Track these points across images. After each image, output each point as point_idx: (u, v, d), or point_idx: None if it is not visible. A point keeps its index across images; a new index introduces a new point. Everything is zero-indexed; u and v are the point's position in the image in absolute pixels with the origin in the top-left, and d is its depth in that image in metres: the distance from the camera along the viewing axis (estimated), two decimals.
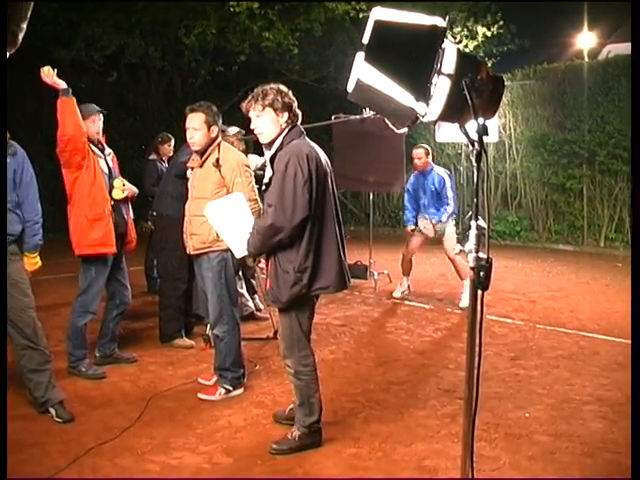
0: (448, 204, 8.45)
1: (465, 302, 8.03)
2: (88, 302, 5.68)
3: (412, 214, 8.79)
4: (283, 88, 4.24)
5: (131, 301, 6.10)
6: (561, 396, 5.27)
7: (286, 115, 4.17)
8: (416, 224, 8.68)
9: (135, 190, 5.93)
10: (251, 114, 4.21)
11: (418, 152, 8.66)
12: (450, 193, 8.49)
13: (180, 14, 15.61)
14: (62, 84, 5.40)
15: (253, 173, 5.40)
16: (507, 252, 12.78)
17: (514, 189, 14.51)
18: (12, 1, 1.80)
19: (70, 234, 5.63)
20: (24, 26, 1.83)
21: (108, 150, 5.83)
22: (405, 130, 8.40)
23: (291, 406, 4.69)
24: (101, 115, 5.73)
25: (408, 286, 9.02)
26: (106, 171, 5.69)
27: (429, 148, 8.83)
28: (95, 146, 5.64)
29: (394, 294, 8.97)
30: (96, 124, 5.66)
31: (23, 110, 14.83)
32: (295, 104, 4.24)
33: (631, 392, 3.11)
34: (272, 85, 4.23)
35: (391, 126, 7.87)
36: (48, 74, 5.39)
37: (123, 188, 5.71)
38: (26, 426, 4.60)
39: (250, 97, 4.21)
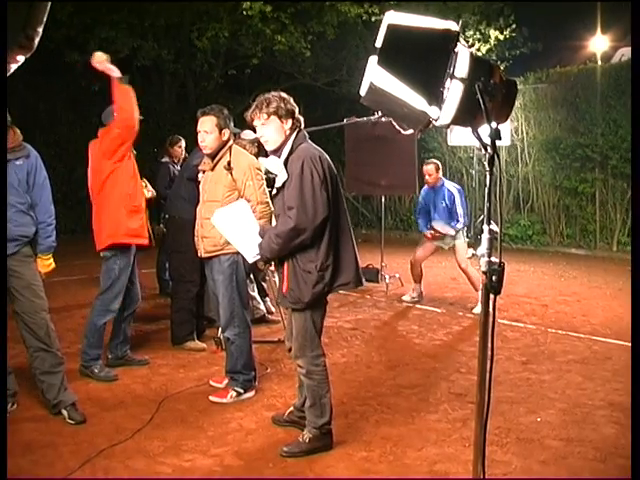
0: (458, 220, 8.46)
1: (479, 308, 8.00)
2: (110, 300, 5.68)
3: (424, 222, 8.81)
4: (285, 95, 4.29)
5: (141, 300, 6.11)
6: (573, 401, 5.25)
7: (290, 121, 4.22)
8: (432, 228, 8.67)
9: (154, 193, 5.99)
10: (256, 123, 4.25)
11: (429, 169, 8.66)
12: (460, 210, 8.48)
13: (193, 17, 15.66)
14: (116, 72, 5.42)
15: (265, 176, 5.41)
16: (519, 256, 12.76)
17: (526, 193, 14.49)
18: (30, 1, 1.81)
19: (99, 225, 5.66)
20: (40, 30, 1.83)
21: (133, 150, 5.90)
22: (412, 131, 8.39)
23: (291, 409, 4.73)
24: None
25: (420, 293, 9.01)
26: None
27: (439, 163, 8.82)
28: None
29: (404, 297, 8.99)
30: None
31: (36, 113, 14.91)
32: (297, 110, 4.29)
33: (631, 392, 3.10)
34: (274, 93, 4.29)
35: (397, 127, 7.85)
36: (100, 60, 5.35)
37: (148, 189, 5.77)
38: (38, 427, 4.62)
39: (254, 106, 4.25)
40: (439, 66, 2.63)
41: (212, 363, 6.11)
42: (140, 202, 5.65)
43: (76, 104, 15.65)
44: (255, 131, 4.45)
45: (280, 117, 4.18)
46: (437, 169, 8.65)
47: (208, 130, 5.20)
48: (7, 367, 4.76)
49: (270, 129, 4.21)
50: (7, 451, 3.71)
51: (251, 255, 4.35)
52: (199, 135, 5.27)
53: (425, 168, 8.71)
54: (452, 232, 8.46)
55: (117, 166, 5.56)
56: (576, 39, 21.40)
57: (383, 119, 8.26)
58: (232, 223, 4.46)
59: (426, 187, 8.85)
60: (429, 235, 8.68)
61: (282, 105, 4.20)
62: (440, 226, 8.49)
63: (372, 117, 8.51)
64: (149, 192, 5.78)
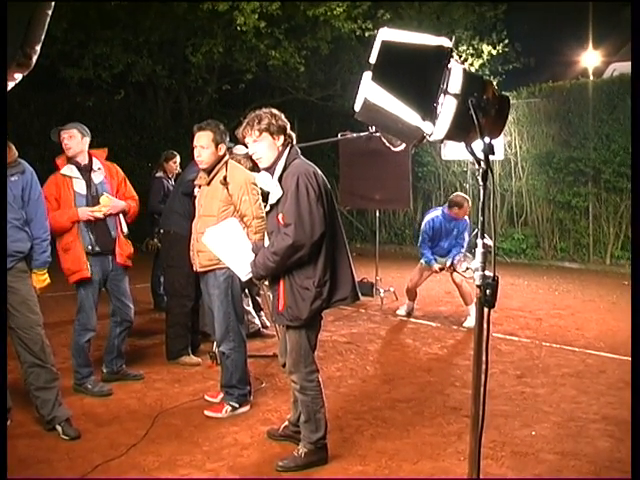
0: (462, 246, 8.43)
1: (469, 322, 8.03)
2: (85, 320, 5.67)
3: (430, 252, 8.56)
4: (275, 111, 4.29)
5: (134, 318, 6.07)
6: (567, 414, 5.26)
7: (282, 138, 4.22)
8: (451, 264, 8.50)
9: (120, 205, 5.74)
10: (247, 140, 4.25)
11: (465, 208, 8.32)
12: (467, 237, 8.48)
13: (187, 33, 15.71)
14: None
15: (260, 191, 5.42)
16: (513, 270, 12.78)
17: (520, 207, 14.51)
18: (31, 4, 1.82)
19: None
20: (38, 48, 1.85)
21: (98, 165, 5.73)
22: (402, 147, 8.39)
23: (285, 423, 4.72)
24: (71, 131, 5.65)
25: (412, 309, 9.02)
26: (83, 192, 5.61)
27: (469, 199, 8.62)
28: (77, 164, 5.62)
29: (398, 312, 9.02)
30: (63, 142, 5.61)
31: (30, 128, 14.90)
32: (288, 126, 4.29)
33: (631, 398, 3.11)
34: (265, 109, 4.28)
35: (387, 144, 7.87)
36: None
37: (108, 204, 5.63)
38: (33, 443, 4.62)
39: (245, 123, 4.24)
40: (432, 82, 2.66)
41: (207, 378, 6.11)
42: (68, 239, 5.53)
43: (70, 120, 15.53)
44: (247, 147, 4.45)
45: (272, 134, 4.18)
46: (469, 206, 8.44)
47: (204, 145, 5.21)
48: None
49: (262, 146, 4.21)
50: (7, 460, 3.70)
51: (244, 273, 4.35)
52: (195, 150, 5.28)
53: (460, 209, 8.31)
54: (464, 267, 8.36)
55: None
56: (568, 54, 21.51)
57: (377, 134, 8.30)
58: (223, 242, 4.46)
59: (441, 217, 8.52)
60: (438, 269, 8.60)
61: (273, 122, 4.20)
62: (463, 268, 8.36)
63: (365, 133, 8.53)
64: (102, 208, 5.65)
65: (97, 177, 5.72)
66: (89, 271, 5.57)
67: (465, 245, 8.45)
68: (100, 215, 5.59)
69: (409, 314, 8.93)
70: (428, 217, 8.73)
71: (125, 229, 5.86)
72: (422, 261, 8.70)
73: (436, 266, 8.58)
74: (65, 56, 15.03)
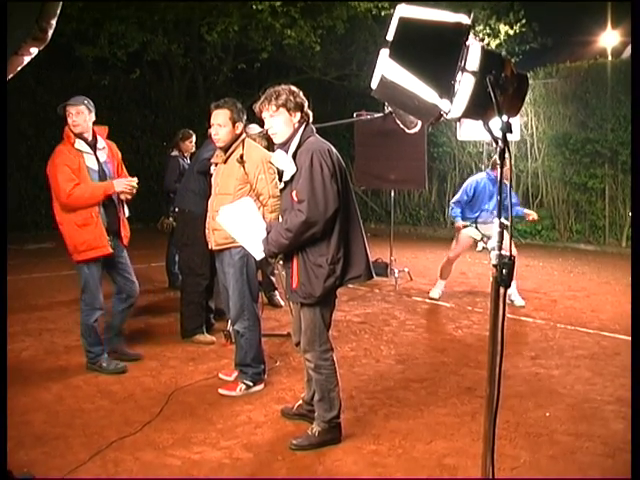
0: (517, 204, 8.58)
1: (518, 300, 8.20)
2: (91, 299, 5.62)
3: (460, 209, 8.48)
4: (294, 88, 4.29)
5: (138, 294, 5.96)
6: (582, 396, 5.25)
7: (299, 115, 4.21)
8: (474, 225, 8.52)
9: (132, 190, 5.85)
10: (264, 114, 4.25)
11: (508, 167, 8.45)
12: (514, 197, 8.46)
13: (203, 12, 15.67)
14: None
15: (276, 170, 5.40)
16: (528, 251, 12.73)
17: (535, 188, 14.46)
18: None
19: (64, 241, 5.54)
20: (54, 22, 1.84)
21: (102, 144, 5.68)
22: (416, 130, 8.35)
23: (299, 402, 4.74)
24: (79, 108, 5.48)
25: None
26: (95, 168, 5.55)
27: None
28: (84, 140, 5.53)
29: (431, 294, 8.81)
30: (70, 118, 5.48)
31: (47, 108, 14.93)
32: (306, 104, 4.29)
33: (631, 388, 3.10)
34: (284, 86, 4.29)
35: (402, 126, 7.84)
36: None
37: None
38: (49, 420, 4.64)
39: (263, 98, 4.24)
40: (450, 59, 2.63)
41: (221, 356, 6.13)
42: (90, 213, 5.44)
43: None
44: (261, 125, 4.44)
45: (289, 110, 4.18)
46: None
47: (222, 123, 5.19)
48: None
49: (278, 121, 4.21)
50: (7, 459, 3.71)
51: (258, 252, 4.35)
52: (212, 128, 5.26)
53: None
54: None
55: None
56: (586, 34, 21.34)
57: (390, 113, 8.21)
58: (238, 221, 4.46)
59: (487, 179, 8.46)
60: (461, 226, 8.50)
61: (291, 98, 4.20)
62: (479, 248, 8.35)
63: (380, 114, 8.46)
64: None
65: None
66: (109, 247, 5.54)
67: (518, 202, 8.48)
68: (135, 186, 5.60)
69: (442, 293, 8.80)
70: (472, 179, 8.67)
71: (127, 211, 5.85)
72: (458, 221, 8.54)
73: (460, 223, 8.48)
74: (80, 34, 15.05)
